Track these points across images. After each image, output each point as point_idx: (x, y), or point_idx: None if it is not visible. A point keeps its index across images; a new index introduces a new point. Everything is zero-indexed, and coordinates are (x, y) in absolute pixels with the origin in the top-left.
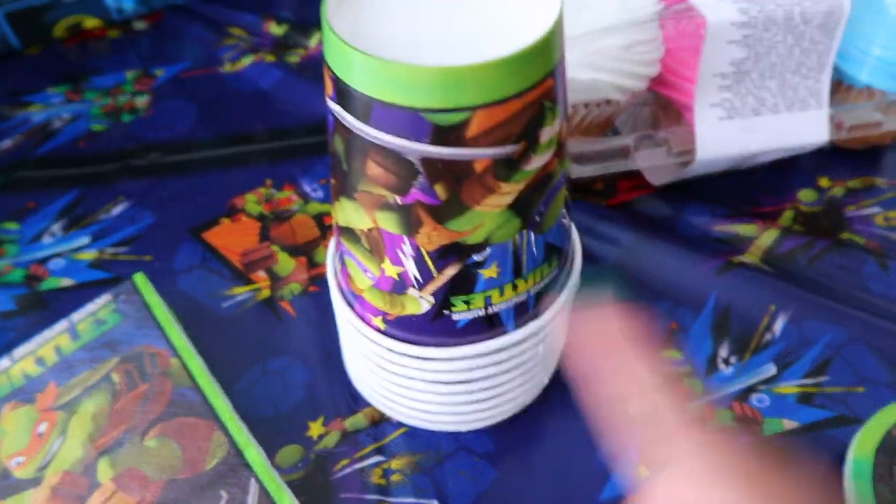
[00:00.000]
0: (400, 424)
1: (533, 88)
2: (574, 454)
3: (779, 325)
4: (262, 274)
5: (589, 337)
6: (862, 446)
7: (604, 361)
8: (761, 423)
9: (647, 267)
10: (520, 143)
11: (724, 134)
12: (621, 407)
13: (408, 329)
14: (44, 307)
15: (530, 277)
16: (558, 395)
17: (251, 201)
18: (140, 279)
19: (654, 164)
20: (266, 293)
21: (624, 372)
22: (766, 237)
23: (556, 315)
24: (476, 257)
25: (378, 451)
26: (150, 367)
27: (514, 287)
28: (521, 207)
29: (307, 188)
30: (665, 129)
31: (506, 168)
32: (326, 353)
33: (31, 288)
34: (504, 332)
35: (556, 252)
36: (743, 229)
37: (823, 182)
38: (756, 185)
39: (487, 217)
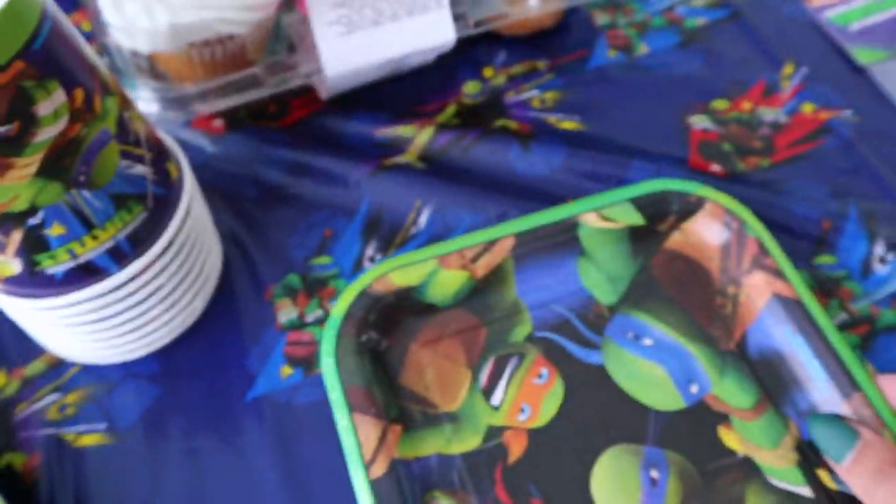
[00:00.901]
0: (73, 364)
1: None
2: (228, 363)
3: (424, 218)
4: None
5: None
6: (343, 298)
7: None
8: None
9: (306, 182)
10: (13, 123)
11: (347, 49)
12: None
13: (19, 286)
14: None
15: (108, 226)
16: (220, 312)
17: None
18: None
19: (289, 88)
20: None
21: None
22: (424, 135)
23: (168, 248)
24: (32, 221)
25: (55, 390)
26: None
27: (94, 238)
28: (54, 173)
29: None
30: (298, 51)
31: (11, 146)
32: None
33: None
34: (109, 276)
35: (132, 199)
36: (402, 130)
37: (488, 72)
38: (424, 85)
39: (20, 187)
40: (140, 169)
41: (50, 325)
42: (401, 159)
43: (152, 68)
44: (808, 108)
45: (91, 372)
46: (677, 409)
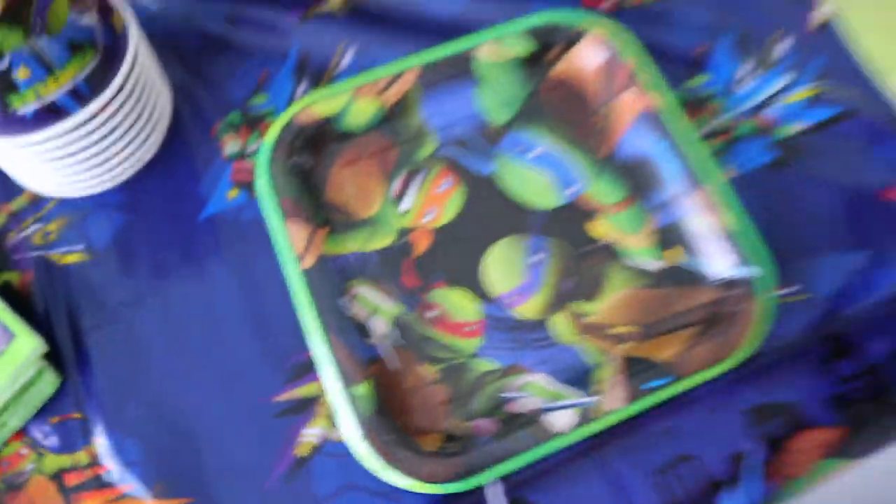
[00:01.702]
0: (51, 198)
1: None
2: (184, 191)
3: (348, 59)
4: None
5: None
6: (273, 128)
7: None
8: None
9: (243, 31)
10: None
11: None
12: None
13: None
14: None
15: (67, 70)
16: (173, 149)
17: None
18: None
19: None
20: None
21: None
22: None
23: (121, 90)
24: (1, 66)
25: (38, 220)
26: None
27: (55, 80)
28: (14, 22)
29: None
30: None
31: None
32: None
33: None
34: (72, 114)
35: (84, 46)
36: None
37: None
38: None
39: None
40: (88, 19)
41: (26, 162)
42: (326, 6)
43: None
44: None
45: (66, 204)
46: (556, 206)
